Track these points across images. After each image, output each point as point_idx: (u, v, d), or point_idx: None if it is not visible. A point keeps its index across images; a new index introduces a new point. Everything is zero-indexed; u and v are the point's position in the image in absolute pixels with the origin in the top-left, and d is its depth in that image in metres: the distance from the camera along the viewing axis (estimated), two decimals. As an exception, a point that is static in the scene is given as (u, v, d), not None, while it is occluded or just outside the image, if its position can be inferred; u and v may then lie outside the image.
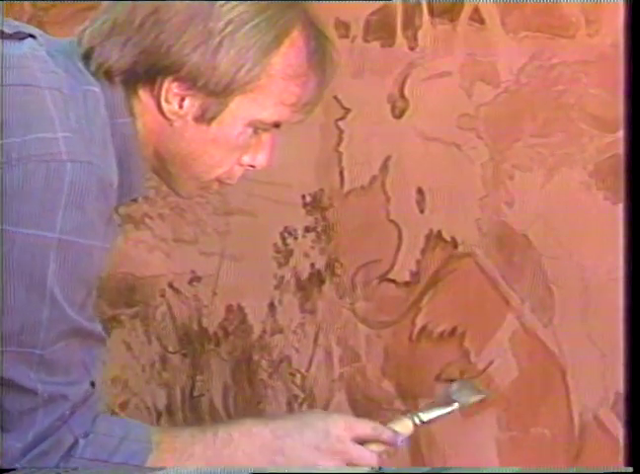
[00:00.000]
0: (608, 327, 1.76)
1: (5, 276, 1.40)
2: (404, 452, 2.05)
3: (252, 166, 1.58)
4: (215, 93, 1.48)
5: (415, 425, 1.71)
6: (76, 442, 1.50)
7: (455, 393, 1.77)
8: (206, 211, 2.26)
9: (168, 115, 1.51)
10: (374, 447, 1.67)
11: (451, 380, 1.87)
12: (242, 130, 1.52)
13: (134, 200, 1.63)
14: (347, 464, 1.65)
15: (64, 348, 1.46)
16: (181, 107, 1.50)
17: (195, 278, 2.30)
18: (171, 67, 1.47)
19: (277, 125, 1.55)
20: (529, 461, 1.85)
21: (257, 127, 1.53)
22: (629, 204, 1.73)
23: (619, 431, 1.75)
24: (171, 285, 2.33)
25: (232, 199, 2.21)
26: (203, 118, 1.50)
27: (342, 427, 1.66)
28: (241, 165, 1.57)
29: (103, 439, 1.52)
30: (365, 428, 1.68)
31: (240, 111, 1.51)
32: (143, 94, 1.51)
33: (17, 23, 1.59)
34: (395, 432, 1.68)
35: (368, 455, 1.66)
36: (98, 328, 1.50)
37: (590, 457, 1.79)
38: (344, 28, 2.01)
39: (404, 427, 1.70)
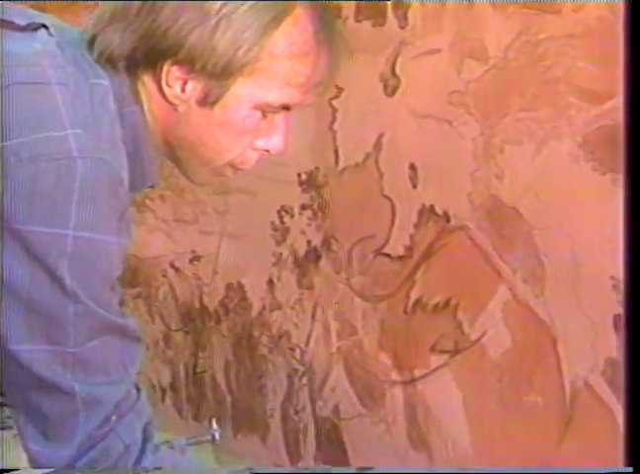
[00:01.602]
0: (598, 296, 1.75)
1: (27, 277, 1.38)
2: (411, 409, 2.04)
3: (267, 150, 1.53)
4: (215, 75, 1.44)
5: None
6: (141, 457, 1.46)
7: None
8: (206, 191, 2.26)
9: (171, 99, 1.47)
10: None
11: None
12: (248, 113, 1.47)
13: (151, 187, 1.60)
14: None
15: (99, 346, 1.42)
16: (183, 91, 1.46)
17: (195, 258, 2.31)
18: (169, 50, 1.44)
19: (286, 108, 1.49)
20: (524, 429, 1.85)
21: (265, 110, 1.49)
22: (627, 176, 1.71)
23: (609, 396, 1.75)
24: (172, 265, 2.34)
25: (230, 179, 2.19)
26: (206, 101, 1.46)
27: None
28: (255, 149, 1.52)
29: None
30: None
31: (243, 93, 1.46)
32: (147, 79, 1.48)
33: (31, 11, 1.56)
34: None
35: None
36: (131, 325, 1.47)
37: (581, 423, 1.79)
38: (336, 8, 2.00)
39: None
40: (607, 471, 1.63)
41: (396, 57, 1.95)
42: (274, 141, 1.51)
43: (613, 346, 1.73)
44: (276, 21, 1.44)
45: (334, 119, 2.05)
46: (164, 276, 2.33)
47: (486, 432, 1.90)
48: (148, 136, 1.49)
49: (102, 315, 1.41)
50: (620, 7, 1.67)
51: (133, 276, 2.37)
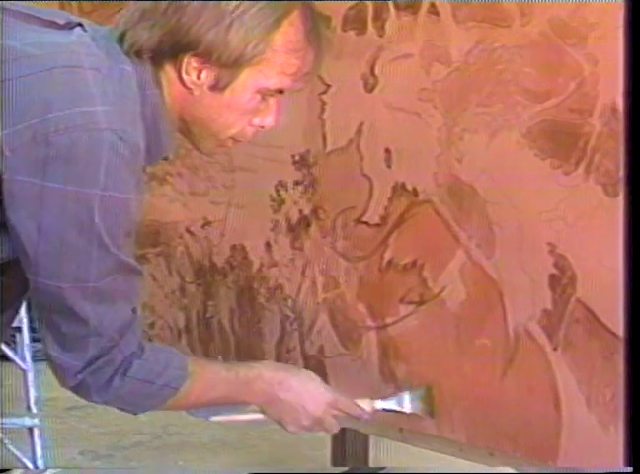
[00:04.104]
0: (537, 259, 1.78)
1: (61, 227, 1.43)
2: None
3: (262, 127, 1.59)
4: (228, 65, 1.50)
5: (373, 407, 1.81)
6: (131, 364, 1.53)
7: (414, 400, 1.83)
8: (216, 169, 2.26)
9: (188, 84, 1.53)
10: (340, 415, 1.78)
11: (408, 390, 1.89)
12: (251, 97, 1.54)
13: (165, 159, 1.64)
14: (316, 426, 1.76)
15: (111, 281, 1.49)
16: (199, 78, 1.52)
17: (206, 224, 2.30)
18: (190, 45, 1.49)
19: (281, 92, 1.57)
20: (475, 365, 1.88)
21: (264, 94, 1.55)
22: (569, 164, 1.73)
23: (544, 340, 1.78)
24: (187, 230, 2.33)
25: (236, 159, 2.22)
26: (218, 86, 1.52)
27: (329, 401, 1.76)
28: (252, 126, 1.59)
29: (152, 365, 1.57)
30: (345, 405, 1.79)
31: (249, 80, 1.52)
32: (169, 68, 1.53)
33: (67, 14, 1.61)
34: (364, 410, 1.80)
35: (334, 424, 1.78)
36: (135, 263, 1.53)
37: (521, 361, 1.82)
38: (326, 19, 1.99)
39: (367, 404, 1.81)
40: (607, 471, 1.64)
41: (375, 60, 1.96)
42: (267, 120, 1.59)
43: (548, 299, 1.76)
44: (278, 21, 1.51)
45: (323, 111, 2.06)
46: (180, 238, 2.33)
47: (444, 368, 1.92)
48: (165, 114, 1.55)
49: (116, 256, 1.48)
50: (562, 22, 1.71)
51: (155, 237, 2.37)
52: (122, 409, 1.63)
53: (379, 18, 1.94)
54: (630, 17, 1.61)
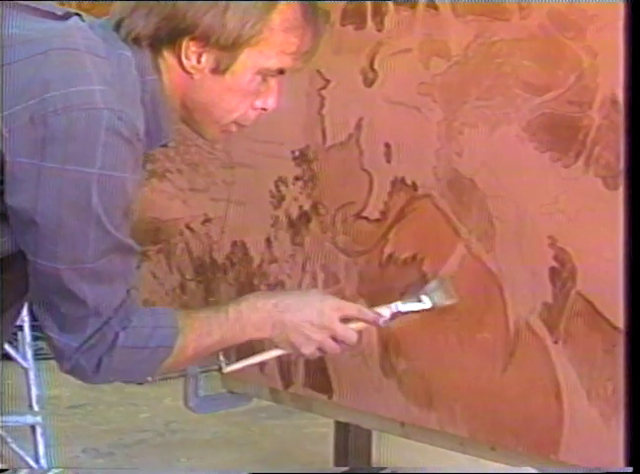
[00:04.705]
0: (537, 252, 1.78)
1: (58, 208, 1.43)
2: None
3: (264, 109, 1.59)
4: (227, 47, 1.51)
5: (392, 312, 1.73)
6: (117, 336, 1.53)
7: (431, 293, 1.79)
8: (215, 165, 2.26)
9: (188, 69, 1.53)
10: (356, 326, 1.70)
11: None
12: (252, 78, 1.54)
13: (164, 146, 1.63)
14: (331, 338, 1.67)
15: (108, 262, 1.49)
16: (199, 62, 1.52)
17: (207, 220, 2.29)
18: (188, 29, 1.50)
19: (281, 72, 1.57)
20: (475, 359, 1.88)
21: (265, 75, 1.55)
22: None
23: (545, 334, 1.78)
24: (188, 226, 2.33)
25: (236, 155, 2.22)
26: (218, 69, 1.53)
27: (334, 307, 1.68)
28: (254, 109, 1.59)
29: (139, 330, 1.56)
30: (352, 309, 1.72)
31: (249, 61, 1.53)
32: (167, 54, 1.53)
33: (65, 8, 1.62)
34: (378, 313, 1.71)
35: (350, 333, 1.70)
36: (132, 242, 1.53)
37: (522, 355, 1.81)
38: (326, 15, 1.98)
39: (385, 311, 1.73)
40: (607, 471, 1.63)
41: (374, 55, 1.96)
42: (269, 101, 1.59)
43: (548, 292, 1.76)
44: (274, 1, 1.50)
45: (322, 106, 2.05)
46: (181, 234, 2.33)
47: (445, 363, 1.92)
48: (165, 100, 1.55)
49: (114, 236, 1.48)
50: (561, 15, 1.70)
51: (156, 234, 2.36)
52: (125, 381, 1.63)
53: (378, 13, 1.94)
54: (630, 9, 1.61)
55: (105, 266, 1.49)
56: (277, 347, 1.71)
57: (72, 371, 1.56)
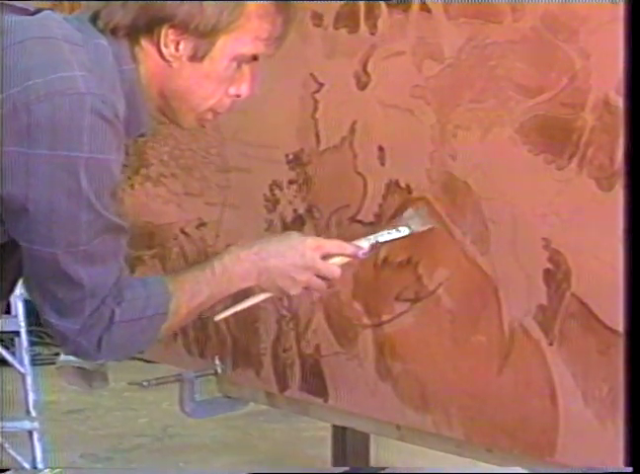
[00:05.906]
0: (531, 254, 1.77)
1: (49, 193, 1.44)
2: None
3: (238, 95, 1.61)
4: (205, 34, 1.53)
5: (371, 243, 1.73)
6: (113, 312, 1.54)
7: (408, 220, 1.79)
8: (210, 170, 2.26)
9: (167, 57, 1.55)
10: (338, 261, 1.71)
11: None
12: (228, 65, 1.57)
13: (142, 136, 1.65)
14: (316, 276, 1.69)
15: (101, 242, 1.51)
16: (177, 49, 1.54)
17: (201, 224, 2.30)
18: (166, 17, 1.52)
19: (255, 58, 1.60)
20: (471, 362, 1.87)
21: (240, 61, 1.57)
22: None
23: (540, 336, 1.77)
24: (182, 231, 2.33)
25: (230, 159, 2.22)
26: (196, 56, 1.55)
27: (314, 246, 1.70)
28: (229, 96, 1.61)
29: (134, 303, 1.58)
30: (332, 246, 1.75)
31: (226, 47, 1.55)
32: (145, 43, 1.55)
33: (39, 7, 1.63)
34: (357, 246, 1.72)
35: (333, 269, 1.72)
36: (121, 221, 1.55)
37: (516, 357, 1.81)
38: (318, 18, 2.02)
39: (364, 244, 1.74)
40: (607, 471, 1.62)
41: (367, 58, 1.96)
42: (243, 88, 1.62)
43: (543, 294, 1.76)
44: None
45: (316, 109, 2.05)
46: (175, 239, 2.33)
47: (440, 365, 1.91)
48: (142, 90, 1.56)
49: (104, 217, 1.50)
50: (553, 17, 1.70)
51: (150, 239, 2.37)
52: (127, 354, 1.65)
53: (371, 16, 1.94)
54: (629, 9, 1.61)
55: (98, 246, 1.51)
56: (264, 291, 1.73)
57: (75, 353, 1.59)
